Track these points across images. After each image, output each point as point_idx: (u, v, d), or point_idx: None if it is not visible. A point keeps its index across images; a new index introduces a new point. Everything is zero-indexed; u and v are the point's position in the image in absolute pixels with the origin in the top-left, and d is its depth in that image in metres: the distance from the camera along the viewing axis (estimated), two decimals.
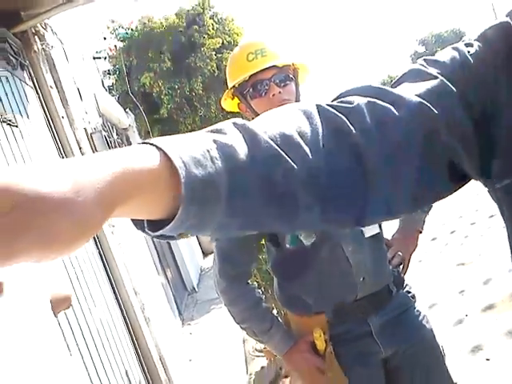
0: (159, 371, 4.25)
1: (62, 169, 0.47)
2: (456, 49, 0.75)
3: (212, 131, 0.59)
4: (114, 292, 4.03)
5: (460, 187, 0.76)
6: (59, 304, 1.33)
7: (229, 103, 2.00)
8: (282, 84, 1.81)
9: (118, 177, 0.49)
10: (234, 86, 1.89)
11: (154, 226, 0.57)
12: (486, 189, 0.76)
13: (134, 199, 0.51)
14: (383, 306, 1.89)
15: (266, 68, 1.80)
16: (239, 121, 0.61)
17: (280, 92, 1.80)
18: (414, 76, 0.74)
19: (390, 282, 1.93)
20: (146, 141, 0.56)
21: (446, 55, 0.75)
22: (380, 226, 1.91)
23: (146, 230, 0.58)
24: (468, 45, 0.75)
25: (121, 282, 4.09)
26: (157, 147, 0.54)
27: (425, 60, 0.77)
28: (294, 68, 1.89)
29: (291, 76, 1.85)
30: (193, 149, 0.55)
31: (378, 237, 1.91)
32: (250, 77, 1.82)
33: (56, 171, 0.46)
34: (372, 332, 1.86)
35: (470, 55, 0.73)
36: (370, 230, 1.86)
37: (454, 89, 0.70)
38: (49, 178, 0.45)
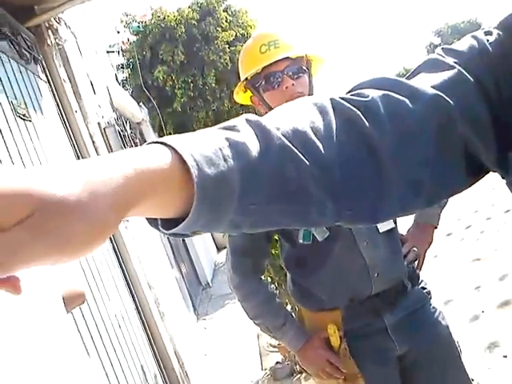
0: (174, 365, 4.25)
1: (75, 171, 0.47)
2: (475, 37, 0.74)
3: (225, 128, 0.59)
4: (129, 286, 4.03)
5: (478, 180, 0.74)
6: (73, 300, 1.32)
7: (241, 96, 1.96)
8: (295, 76, 1.77)
9: (131, 178, 0.49)
10: (246, 79, 1.86)
11: (167, 224, 0.57)
12: (504, 181, 0.74)
13: (147, 199, 0.51)
14: (398, 302, 1.86)
15: (279, 60, 1.76)
16: (252, 117, 0.61)
17: (293, 84, 1.76)
18: (431, 66, 0.73)
19: (404, 277, 1.89)
20: (158, 140, 0.55)
21: (464, 44, 0.74)
22: (395, 221, 1.88)
23: (160, 228, 0.58)
24: (487, 33, 0.73)
25: (135, 277, 4.09)
26: (169, 146, 0.54)
27: (442, 49, 0.76)
28: (308, 60, 1.84)
29: (304, 68, 1.81)
30: (205, 147, 0.54)
31: (393, 232, 1.87)
32: (262, 69, 1.78)
33: (70, 174, 0.47)
34: (387, 328, 1.83)
35: (490, 43, 0.71)
36: (384, 225, 1.83)
37: (471, 78, 0.69)
38: (64, 181, 0.46)
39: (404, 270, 1.90)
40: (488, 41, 0.71)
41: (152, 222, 0.59)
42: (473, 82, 0.69)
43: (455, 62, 0.71)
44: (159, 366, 4.11)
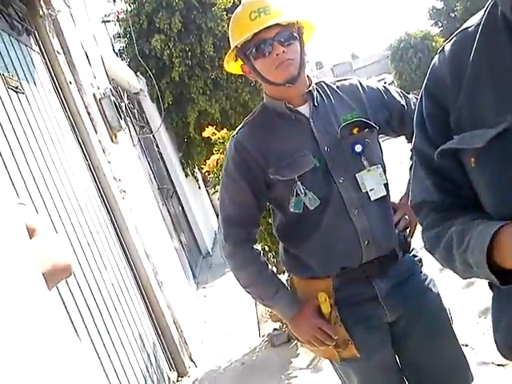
0: (173, 334, 4.31)
1: None
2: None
3: None
4: (126, 256, 4.07)
5: None
6: (59, 273, 1.32)
7: (232, 65, 1.93)
8: (286, 43, 1.75)
9: None
10: (236, 47, 1.82)
11: None
12: None
13: None
14: (389, 269, 1.87)
15: (270, 27, 1.72)
16: None
17: (284, 51, 1.73)
18: None
19: (396, 246, 1.90)
20: None
21: None
22: (387, 189, 1.88)
23: None
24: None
25: (132, 247, 4.13)
26: None
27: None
28: (299, 26, 1.81)
29: (295, 35, 1.78)
30: None
31: (385, 200, 1.87)
32: (252, 36, 1.75)
33: None
34: (378, 296, 1.84)
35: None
36: (376, 193, 1.83)
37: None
38: None
39: (395, 238, 1.91)
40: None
41: None
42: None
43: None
44: (158, 334, 4.16)
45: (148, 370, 3.60)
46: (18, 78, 3.19)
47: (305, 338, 1.89)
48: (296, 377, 3.76)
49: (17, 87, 3.13)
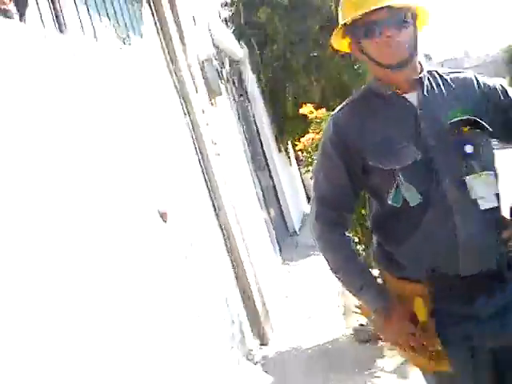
0: (256, 303, 4.29)
1: None
2: None
3: None
4: (217, 218, 4.07)
5: None
6: (160, 217, 1.34)
7: (339, 42, 1.82)
8: (399, 26, 1.63)
9: None
10: (345, 24, 1.71)
11: None
12: None
13: None
14: (494, 289, 1.68)
15: (381, 8, 1.61)
16: None
17: (395, 35, 1.62)
18: None
19: (502, 264, 1.70)
20: None
21: None
22: (498, 200, 1.68)
23: None
24: None
25: (223, 209, 4.12)
26: None
27: None
28: (412, 12, 1.68)
29: (408, 19, 1.66)
30: None
31: (495, 212, 1.68)
32: (363, 15, 1.64)
33: None
34: (478, 316, 1.66)
35: None
36: (486, 202, 1.64)
37: None
38: None
39: (503, 255, 1.71)
40: None
41: None
42: None
43: None
44: (242, 299, 4.15)
45: (233, 333, 3.62)
46: (127, 29, 3.23)
47: (395, 339, 1.75)
48: (378, 377, 3.51)
49: (125, 38, 3.17)
